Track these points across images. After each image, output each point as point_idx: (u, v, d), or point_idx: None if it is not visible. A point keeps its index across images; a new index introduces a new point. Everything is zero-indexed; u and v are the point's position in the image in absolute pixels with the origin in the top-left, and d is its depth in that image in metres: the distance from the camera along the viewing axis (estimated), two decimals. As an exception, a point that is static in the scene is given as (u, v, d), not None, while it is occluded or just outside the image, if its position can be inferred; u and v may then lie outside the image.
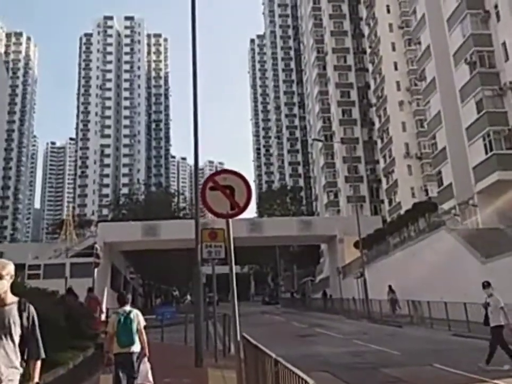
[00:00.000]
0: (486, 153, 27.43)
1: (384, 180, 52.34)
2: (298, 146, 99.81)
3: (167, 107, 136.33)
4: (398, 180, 48.26)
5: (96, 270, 29.56)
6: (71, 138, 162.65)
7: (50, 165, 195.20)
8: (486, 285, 9.94)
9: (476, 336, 14.31)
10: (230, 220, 6.50)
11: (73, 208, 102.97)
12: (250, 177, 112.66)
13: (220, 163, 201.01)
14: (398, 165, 48.46)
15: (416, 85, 49.15)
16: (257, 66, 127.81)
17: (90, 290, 13.50)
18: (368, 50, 57.06)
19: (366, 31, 57.98)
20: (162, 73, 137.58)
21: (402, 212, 40.35)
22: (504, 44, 27.98)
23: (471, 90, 28.92)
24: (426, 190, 46.02)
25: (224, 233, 11.63)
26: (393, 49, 52.69)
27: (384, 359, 11.11)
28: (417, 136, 48.28)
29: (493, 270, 17.96)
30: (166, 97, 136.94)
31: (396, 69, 51.73)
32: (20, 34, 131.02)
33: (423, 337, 15.49)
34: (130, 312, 6.35)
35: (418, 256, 24.96)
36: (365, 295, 26.34)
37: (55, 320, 7.87)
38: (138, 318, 6.34)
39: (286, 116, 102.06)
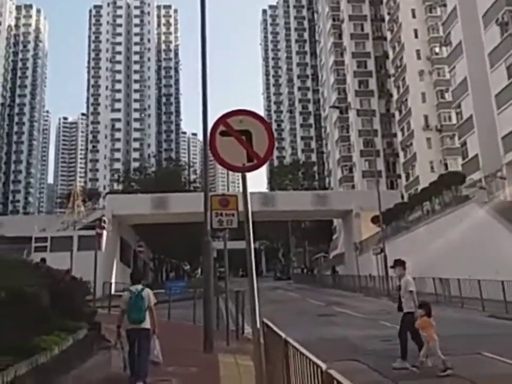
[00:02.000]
0: (518, 121, 25.51)
1: (401, 154, 50.38)
2: (311, 120, 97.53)
3: (177, 81, 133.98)
4: (417, 153, 46.31)
5: (103, 241, 28.48)
6: (82, 114, 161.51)
7: (63, 140, 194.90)
8: (396, 264, 8.46)
9: (517, 318, 12.85)
10: (247, 175, 5.04)
11: (85, 182, 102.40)
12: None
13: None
14: (417, 138, 46.43)
15: (437, 54, 46.84)
16: (270, 37, 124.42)
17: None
18: (387, 18, 54.35)
19: (384, -4, 55.13)
20: (172, 46, 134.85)
21: (420, 187, 38.68)
22: (540, 2, 25.73)
23: (502, 54, 26.81)
24: (445, 164, 44.11)
25: (237, 200, 10.20)
26: (413, 16, 50.04)
27: (419, 344, 9.68)
28: (437, 108, 46.09)
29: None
30: (176, 70, 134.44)
31: (416, 36, 49.18)
32: (30, 6, 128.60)
33: (456, 319, 14.00)
34: (142, 290, 6.58)
35: (444, 231, 23.33)
36: (385, 271, 24.91)
37: (34, 297, 6.55)
38: (149, 296, 6.57)
39: (299, 88, 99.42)
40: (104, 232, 29.38)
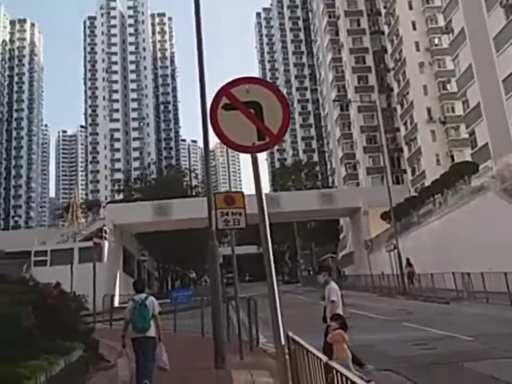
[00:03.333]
0: (529, 105, 24.53)
1: (405, 148, 49.36)
2: (311, 120, 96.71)
3: (174, 88, 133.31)
4: (421, 147, 45.25)
5: (104, 252, 27.45)
6: (81, 126, 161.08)
7: (63, 153, 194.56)
8: (321, 269, 7.52)
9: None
10: (258, 156, 4.13)
11: (86, 194, 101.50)
12: (262, 156, 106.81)
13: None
14: (421, 131, 45.39)
15: (436, 44, 45.95)
16: (265, 40, 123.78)
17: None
18: (383, 11, 53.50)
19: (380, -10, 54.33)
20: (168, 54, 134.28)
21: (426, 181, 37.61)
22: (546, -19, 24.78)
23: (508, 37, 25.84)
24: (452, 156, 43.05)
25: (243, 197, 9.21)
26: (410, 7, 49.20)
27: (457, 347, 8.63)
28: (440, 100, 45.05)
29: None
30: (173, 78, 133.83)
31: (414, 28, 48.28)
32: (24, 21, 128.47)
33: (485, 315, 12.97)
34: (146, 298, 6.58)
35: (461, 223, 22.30)
36: (400, 269, 23.87)
37: (11, 318, 5.57)
38: (153, 305, 6.58)
39: (297, 89, 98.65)
40: (106, 243, 28.37)
